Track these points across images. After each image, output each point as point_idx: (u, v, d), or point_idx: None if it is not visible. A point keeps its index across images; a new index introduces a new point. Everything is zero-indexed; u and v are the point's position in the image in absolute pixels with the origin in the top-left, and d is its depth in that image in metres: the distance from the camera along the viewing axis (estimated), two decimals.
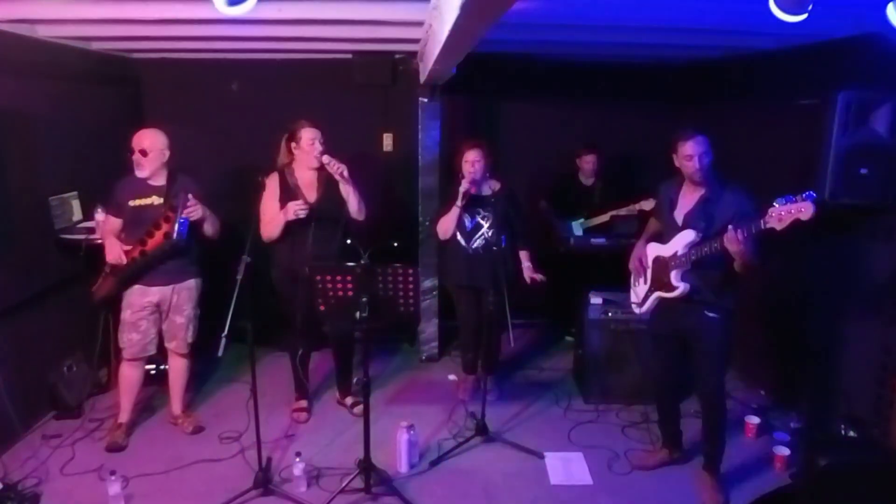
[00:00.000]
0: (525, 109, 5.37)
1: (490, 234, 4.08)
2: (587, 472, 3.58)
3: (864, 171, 3.21)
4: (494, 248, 3.97)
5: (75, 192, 4.16)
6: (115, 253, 3.54)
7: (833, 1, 2.83)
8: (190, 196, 3.49)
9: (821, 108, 3.30)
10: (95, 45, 4.34)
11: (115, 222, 3.64)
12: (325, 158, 3.66)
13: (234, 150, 4.91)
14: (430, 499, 3.35)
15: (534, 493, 3.42)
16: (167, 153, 3.61)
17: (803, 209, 2.63)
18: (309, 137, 3.72)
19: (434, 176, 4.81)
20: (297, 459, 3.40)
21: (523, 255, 4.22)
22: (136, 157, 3.54)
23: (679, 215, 3.23)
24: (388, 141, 5.26)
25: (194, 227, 3.58)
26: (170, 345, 3.81)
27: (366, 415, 3.26)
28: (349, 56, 4.80)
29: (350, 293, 3.17)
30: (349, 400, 4.20)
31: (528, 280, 4.16)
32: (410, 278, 3.17)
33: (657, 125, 4.60)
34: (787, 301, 4.19)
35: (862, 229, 3.55)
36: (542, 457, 3.70)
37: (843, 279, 3.69)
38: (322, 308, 3.26)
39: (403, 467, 3.57)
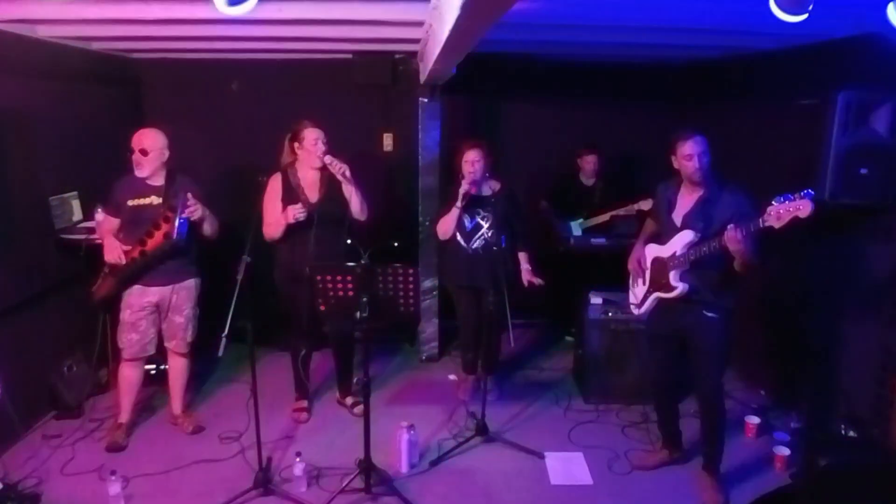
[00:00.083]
0: (525, 109, 5.37)
1: (490, 234, 4.08)
2: (587, 472, 3.58)
3: (864, 171, 3.21)
4: (494, 248, 3.97)
5: (75, 192, 4.16)
6: (115, 253, 3.54)
7: (833, 1, 2.83)
8: (189, 196, 3.49)
9: (821, 108, 3.30)
10: (95, 45, 4.34)
11: (113, 222, 3.64)
12: (328, 158, 3.66)
13: (234, 150, 4.91)
14: (431, 499, 3.35)
15: (534, 493, 3.42)
16: (167, 153, 3.61)
17: (801, 207, 2.65)
18: (312, 138, 3.72)
19: (434, 176, 4.81)
20: (298, 459, 3.39)
21: (522, 257, 4.22)
22: (136, 156, 3.54)
23: (677, 216, 3.23)
24: (388, 141, 5.26)
25: (193, 226, 3.58)
26: (169, 344, 3.81)
27: (366, 415, 3.26)
28: (349, 56, 4.80)
29: (350, 293, 3.17)
30: (349, 400, 4.20)
31: (525, 283, 4.16)
32: (410, 278, 3.17)
33: (657, 125, 4.60)
34: (787, 301, 4.19)
35: (862, 229, 3.55)
36: (542, 457, 3.70)
37: (843, 279, 3.69)
38: (322, 308, 3.26)
39: (403, 467, 3.57)
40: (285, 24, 3.65)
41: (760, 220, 2.75)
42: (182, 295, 3.73)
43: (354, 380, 4.19)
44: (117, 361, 3.85)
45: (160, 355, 3.95)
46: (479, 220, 4.11)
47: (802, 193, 2.67)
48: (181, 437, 3.86)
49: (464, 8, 2.14)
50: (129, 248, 3.56)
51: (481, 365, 4.35)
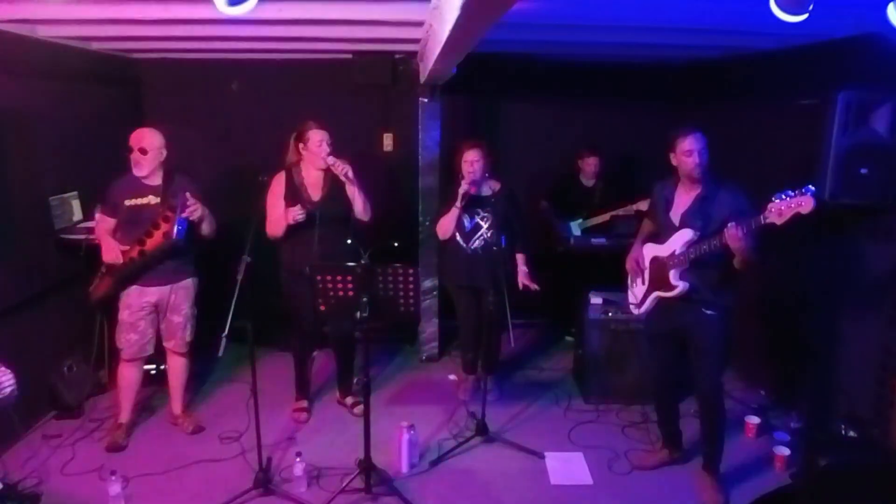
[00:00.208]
0: (525, 109, 5.37)
1: (489, 234, 4.07)
2: (587, 472, 3.58)
3: (864, 171, 3.21)
4: (494, 248, 3.97)
5: (75, 192, 4.16)
6: (113, 252, 3.53)
7: (833, 1, 2.83)
8: (189, 196, 3.49)
9: (821, 108, 3.30)
10: (95, 45, 4.34)
11: (110, 222, 3.63)
12: (330, 159, 3.67)
13: (233, 150, 4.91)
14: (431, 499, 3.35)
15: (534, 493, 3.42)
16: (164, 152, 3.61)
17: (803, 203, 2.66)
18: (317, 139, 3.72)
19: (434, 176, 4.81)
20: (298, 459, 3.39)
21: (520, 259, 4.20)
22: (136, 155, 3.54)
23: (675, 215, 3.24)
24: (388, 141, 5.26)
25: (191, 226, 3.57)
26: (168, 344, 3.81)
27: (366, 415, 3.27)
28: (349, 56, 4.80)
29: (350, 293, 3.17)
30: (349, 400, 4.20)
31: (520, 286, 4.14)
32: (410, 278, 3.17)
33: (657, 125, 4.56)
34: (787, 301, 4.19)
35: (862, 229, 3.55)
36: (542, 457, 3.70)
37: (843, 279, 3.69)
38: (322, 308, 3.26)
39: (404, 467, 3.57)
40: (285, 24, 3.64)
41: (761, 216, 2.76)
42: (180, 294, 3.73)
43: (354, 380, 4.19)
44: (116, 362, 3.85)
45: (159, 355, 3.94)
46: (478, 220, 4.11)
47: (804, 189, 2.68)
48: (181, 437, 3.85)
49: (464, 8, 2.14)
50: (127, 247, 3.55)
51: (481, 365, 4.35)
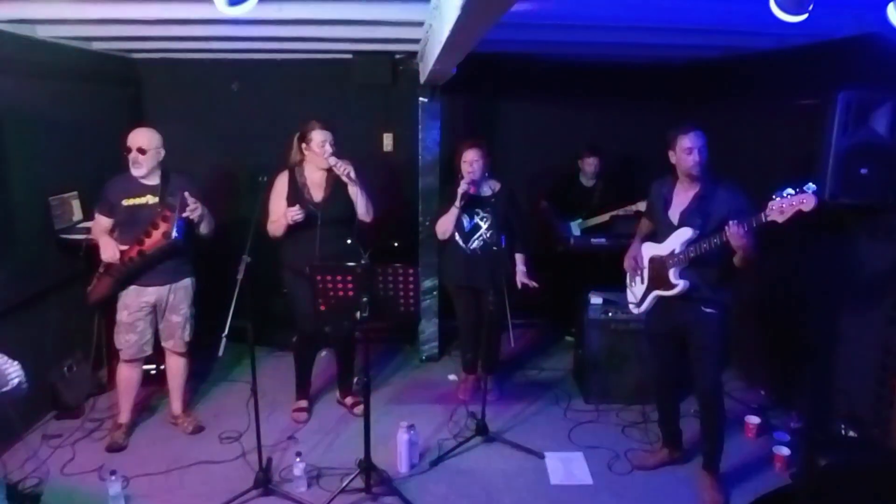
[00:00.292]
0: (525, 109, 5.37)
1: (489, 234, 4.07)
2: (587, 472, 3.58)
3: (864, 171, 3.21)
4: (494, 248, 3.96)
5: (75, 192, 4.16)
6: (111, 251, 3.52)
7: (833, 1, 2.84)
8: (188, 195, 3.48)
9: (821, 108, 3.30)
10: (95, 45, 4.34)
11: (107, 222, 3.61)
12: (332, 160, 3.66)
13: (234, 150, 4.91)
14: (431, 499, 3.35)
15: (534, 493, 3.42)
16: (162, 152, 3.60)
17: (805, 200, 2.67)
18: (319, 140, 3.71)
19: (434, 176, 4.81)
20: (298, 459, 3.39)
21: (519, 259, 4.18)
22: (134, 154, 3.53)
23: (674, 213, 3.24)
24: (388, 141, 5.26)
25: (189, 226, 3.57)
26: (167, 344, 3.81)
27: (366, 415, 3.27)
28: (349, 56, 4.80)
29: (350, 293, 3.17)
30: (349, 400, 4.20)
31: (519, 286, 4.14)
32: (410, 278, 3.17)
33: (657, 125, 4.56)
34: (787, 301, 4.18)
35: (862, 229, 3.55)
36: (542, 457, 3.70)
37: (843, 279, 3.69)
38: (322, 308, 3.26)
39: (404, 467, 3.57)
40: (285, 24, 3.65)
41: (762, 214, 2.77)
42: (179, 294, 3.72)
43: (354, 380, 4.19)
44: (115, 362, 3.85)
45: (158, 355, 3.94)
46: (477, 220, 4.11)
47: (805, 187, 2.69)
48: (181, 437, 3.86)
49: (464, 8, 2.14)
50: (126, 248, 3.55)
51: (481, 365, 4.34)
